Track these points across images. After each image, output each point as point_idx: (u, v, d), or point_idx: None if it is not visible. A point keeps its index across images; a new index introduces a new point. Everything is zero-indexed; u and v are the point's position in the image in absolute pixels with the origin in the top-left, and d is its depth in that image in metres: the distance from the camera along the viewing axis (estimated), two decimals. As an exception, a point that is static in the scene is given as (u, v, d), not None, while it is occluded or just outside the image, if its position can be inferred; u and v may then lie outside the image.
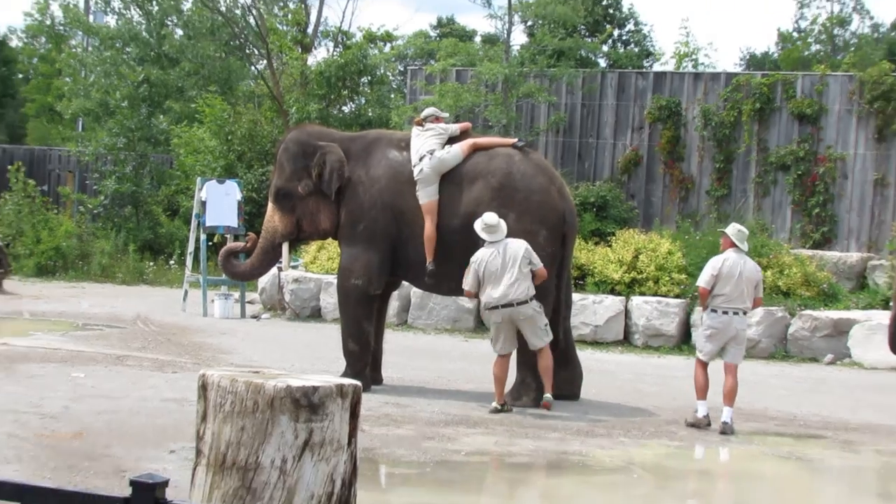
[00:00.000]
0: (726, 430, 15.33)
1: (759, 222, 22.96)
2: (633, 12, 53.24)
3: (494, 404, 15.30)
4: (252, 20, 33.19)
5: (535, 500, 12.24)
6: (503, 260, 15.01)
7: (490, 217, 15.21)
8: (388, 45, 32.76)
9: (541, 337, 15.28)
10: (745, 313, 15.68)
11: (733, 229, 16.36)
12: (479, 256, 15.17)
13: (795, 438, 15.31)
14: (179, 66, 32.85)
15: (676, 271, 22.86)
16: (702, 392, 15.67)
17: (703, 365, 15.73)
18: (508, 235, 15.67)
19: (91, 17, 39.05)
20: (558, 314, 16.77)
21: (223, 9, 33.53)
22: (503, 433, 14.53)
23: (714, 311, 15.68)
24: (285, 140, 17.88)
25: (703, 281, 15.63)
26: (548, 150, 25.70)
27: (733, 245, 15.83)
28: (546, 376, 15.47)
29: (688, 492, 13.22)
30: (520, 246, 15.14)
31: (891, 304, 18.96)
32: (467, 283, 15.29)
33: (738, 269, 15.51)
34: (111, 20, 36.61)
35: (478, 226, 15.28)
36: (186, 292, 25.32)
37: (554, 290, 16.50)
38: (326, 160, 16.54)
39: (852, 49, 48.82)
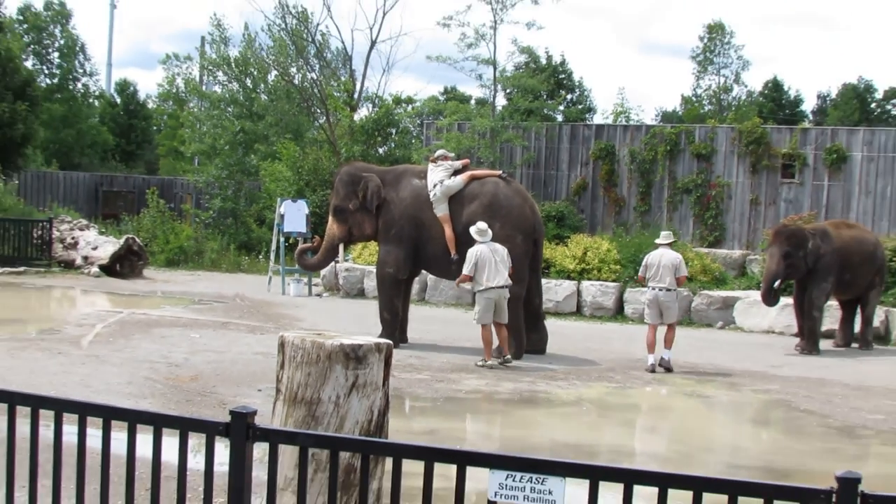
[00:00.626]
0: (664, 365, 16.07)
1: (671, 229, 22.99)
2: (581, 82, 52.72)
3: (489, 361, 15.17)
4: (316, 89, 32.87)
5: (514, 424, 12.24)
6: (493, 256, 15.07)
7: (482, 224, 15.68)
8: (410, 105, 32.45)
9: (506, 314, 15.28)
10: (668, 289, 16.03)
11: (667, 234, 17.24)
12: (477, 250, 15.45)
13: (696, 381, 15.57)
14: (264, 120, 32.66)
15: (613, 263, 23.04)
16: (651, 348, 16.10)
17: (652, 328, 16.23)
18: (494, 240, 15.87)
19: (203, 87, 38.77)
20: (532, 293, 17.11)
21: (296, 81, 33.25)
22: (491, 377, 14.90)
23: (646, 288, 16.60)
24: (339, 172, 18.40)
25: (641, 271, 16.60)
26: (523, 179, 25.74)
27: (663, 244, 16.53)
28: (504, 343, 15.63)
29: (620, 418, 13.56)
30: (503, 248, 15.32)
31: (761, 284, 19.02)
32: (468, 268, 15.39)
33: (657, 258, 16.15)
34: (217, 88, 36.30)
35: (473, 230, 15.67)
36: (270, 278, 25.39)
37: (527, 277, 16.74)
38: (368, 186, 16.99)
39: (734, 108, 48.42)
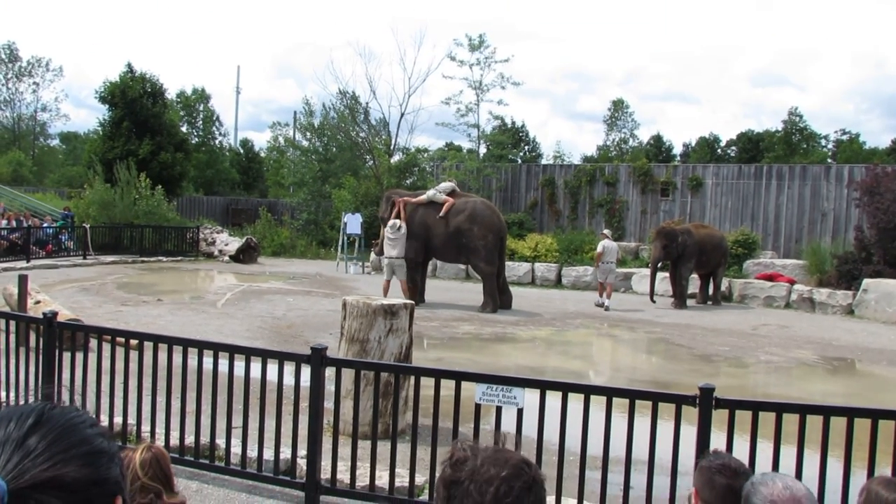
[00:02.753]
0: (606, 307, 17.33)
1: (591, 230, 22.92)
2: (533, 137, 52.66)
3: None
4: (366, 143, 32.79)
5: (491, 354, 12.08)
6: (392, 237, 16.56)
7: (394, 222, 16.50)
8: (425, 153, 32.34)
9: (402, 274, 16.36)
10: (612, 262, 17.79)
11: (608, 232, 19.39)
12: (384, 236, 16.87)
13: (608, 325, 15.40)
14: (335, 163, 32.58)
15: (554, 252, 23.08)
16: (601, 292, 17.79)
17: (601, 285, 17.78)
18: (473, 237, 16.54)
19: (296, 142, 38.71)
20: (500, 271, 16.86)
21: (353, 138, 33.20)
22: (478, 324, 14.79)
23: (602, 263, 17.68)
24: (384, 196, 18.23)
25: (599, 250, 17.89)
26: (496, 200, 25.53)
27: (606, 237, 18.15)
28: (405, 293, 15.98)
29: (559, 350, 13.43)
30: (402, 233, 16.45)
31: (648, 265, 18.94)
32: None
33: (611, 246, 17.94)
34: (305, 143, 36.20)
35: (388, 228, 16.63)
36: (338, 262, 25.26)
37: (496, 261, 16.54)
38: (395, 203, 16.72)
39: (630, 153, 48.28)
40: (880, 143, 52.52)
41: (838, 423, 4.72)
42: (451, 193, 17.07)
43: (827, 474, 4.59)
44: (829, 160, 44.93)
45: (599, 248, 17.96)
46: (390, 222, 16.48)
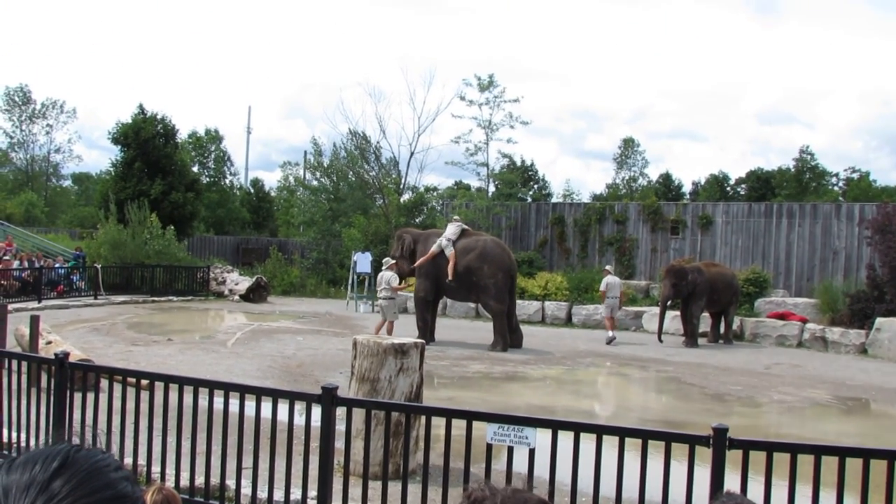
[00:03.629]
0: (611, 342, 18.02)
1: (601, 269, 22.91)
2: (543, 176, 52.91)
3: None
4: (376, 182, 33.00)
5: (502, 393, 12.08)
6: (381, 280, 16.87)
7: (388, 260, 17.11)
8: (435, 192, 32.53)
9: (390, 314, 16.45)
10: (617, 298, 18.43)
11: (610, 268, 19.85)
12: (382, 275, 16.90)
13: (620, 364, 15.36)
14: (345, 202, 32.72)
15: (564, 290, 22.97)
16: (610, 327, 18.35)
17: (610, 319, 18.43)
18: (484, 277, 16.59)
19: (306, 181, 38.99)
20: (511, 310, 16.98)
21: (364, 177, 33.40)
22: (488, 363, 14.73)
23: (607, 298, 18.30)
24: (395, 234, 18.41)
25: (602, 287, 18.64)
26: (506, 238, 25.56)
27: (608, 273, 18.65)
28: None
29: (570, 389, 13.32)
30: (389, 274, 16.59)
31: (658, 303, 18.90)
32: (396, 283, 16.54)
33: (614, 281, 18.39)
34: (315, 182, 36.43)
35: (385, 265, 16.94)
36: (348, 302, 25.25)
37: (507, 299, 16.54)
38: (404, 241, 16.94)
39: (639, 191, 48.42)
40: (890, 181, 52.84)
41: (854, 465, 4.67)
42: (462, 232, 17.16)
43: (843, 516, 4.54)
44: (840, 198, 44.92)
45: (603, 286, 18.68)
46: (379, 276, 16.82)
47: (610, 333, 18.23)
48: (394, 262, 16.87)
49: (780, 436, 9.53)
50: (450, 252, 16.59)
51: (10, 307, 13.68)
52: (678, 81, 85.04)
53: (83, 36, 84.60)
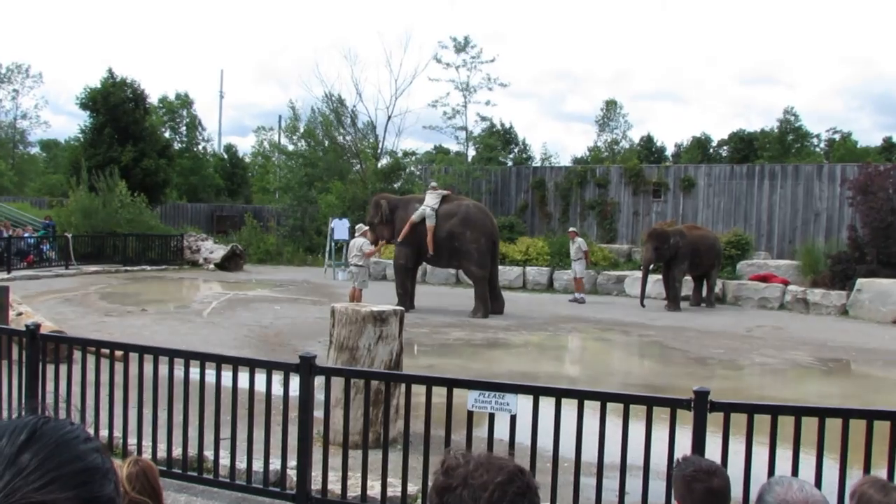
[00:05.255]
0: (579, 301, 19.05)
1: (584, 232, 22.98)
2: (523, 139, 52.74)
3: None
4: (353, 147, 32.77)
5: (484, 360, 12.11)
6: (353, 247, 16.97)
7: (361, 226, 16.99)
8: (413, 157, 32.36)
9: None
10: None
11: (573, 229, 20.60)
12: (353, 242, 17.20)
13: (601, 329, 15.47)
14: (319, 167, 32.46)
15: (545, 255, 23.05)
16: (580, 289, 19.15)
17: (579, 280, 19.26)
18: (467, 242, 16.54)
19: (281, 144, 38.68)
20: (492, 276, 16.99)
21: (340, 142, 33.14)
22: (469, 330, 14.81)
23: (573, 260, 18.92)
24: (372, 200, 18.18)
25: (585, 248, 19.53)
26: (486, 202, 25.44)
27: (576, 235, 19.39)
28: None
29: (552, 355, 13.44)
30: (361, 241, 16.49)
31: (640, 267, 19.03)
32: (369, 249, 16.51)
33: (577, 244, 18.85)
34: (290, 147, 36.15)
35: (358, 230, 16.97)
36: (325, 269, 25.19)
37: (489, 265, 16.49)
38: (381, 207, 16.69)
39: (621, 154, 48.43)
40: (872, 142, 52.91)
41: (834, 425, 4.75)
42: (443, 198, 17.10)
43: (823, 476, 4.63)
44: (823, 159, 45.19)
45: (584, 247, 19.73)
46: (351, 242, 16.80)
47: (580, 294, 19.47)
48: (367, 228, 16.80)
49: (761, 398, 9.67)
50: (431, 224, 16.55)
51: (-22, 279, 13.52)
52: (658, 43, 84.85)
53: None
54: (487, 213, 17.59)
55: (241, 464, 5.69)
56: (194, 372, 5.87)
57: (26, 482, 0.85)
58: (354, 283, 16.21)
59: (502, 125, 49.80)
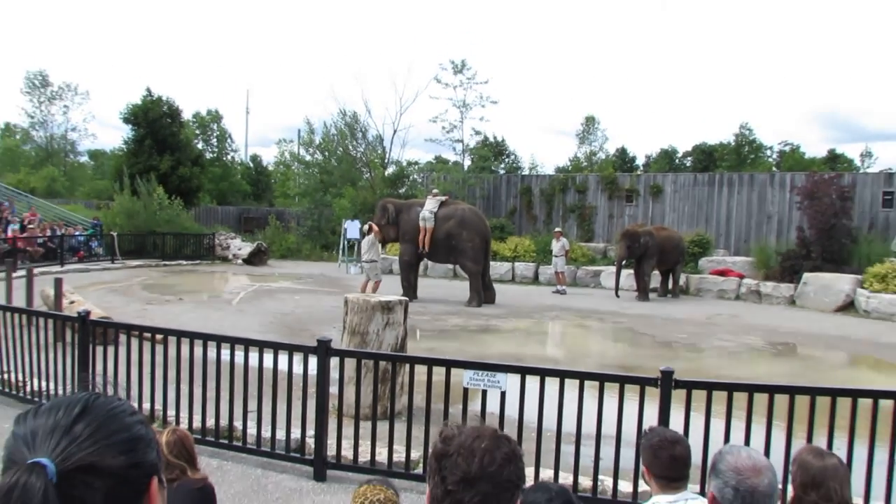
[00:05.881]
0: (561, 292, 18.74)
1: (566, 232, 22.93)
2: (514, 150, 52.59)
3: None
4: (363, 157, 32.70)
5: (478, 343, 11.99)
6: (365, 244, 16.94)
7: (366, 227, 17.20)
8: (416, 165, 32.32)
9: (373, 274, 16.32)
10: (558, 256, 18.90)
11: (558, 229, 20.37)
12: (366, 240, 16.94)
13: (581, 317, 15.40)
14: (334, 175, 32.41)
15: (531, 252, 22.94)
16: (561, 282, 18.91)
17: (561, 274, 19.14)
18: (463, 241, 16.54)
19: (299, 155, 38.60)
20: (485, 271, 16.91)
21: (352, 152, 33.07)
22: (465, 317, 14.73)
23: (555, 256, 18.68)
24: (378, 204, 17.99)
25: (567, 247, 19.59)
26: (480, 206, 25.29)
27: (561, 235, 19.27)
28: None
29: (537, 339, 13.41)
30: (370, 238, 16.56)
31: (614, 263, 18.99)
32: (376, 252, 16.45)
33: (561, 243, 18.64)
34: (308, 157, 36.05)
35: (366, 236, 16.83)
36: (339, 264, 25.17)
37: (482, 262, 16.43)
38: (388, 210, 16.68)
39: (598, 164, 48.27)
40: (818, 153, 52.88)
41: (782, 400, 4.79)
42: (442, 203, 17.09)
43: (772, 444, 4.66)
44: (774, 169, 45.16)
45: (567, 246, 19.93)
46: (364, 240, 16.72)
47: (562, 286, 19.37)
48: (376, 227, 16.83)
49: (719, 376, 9.68)
50: (429, 226, 16.53)
51: (34, 271, 13.52)
52: (632, 65, 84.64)
53: (94, 24, 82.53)
54: (481, 216, 17.55)
55: (266, 433, 5.71)
56: (225, 353, 5.90)
57: (80, 448, 0.87)
58: (370, 277, 16.22)
59: (496, 138, 49.72)
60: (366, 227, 16.59)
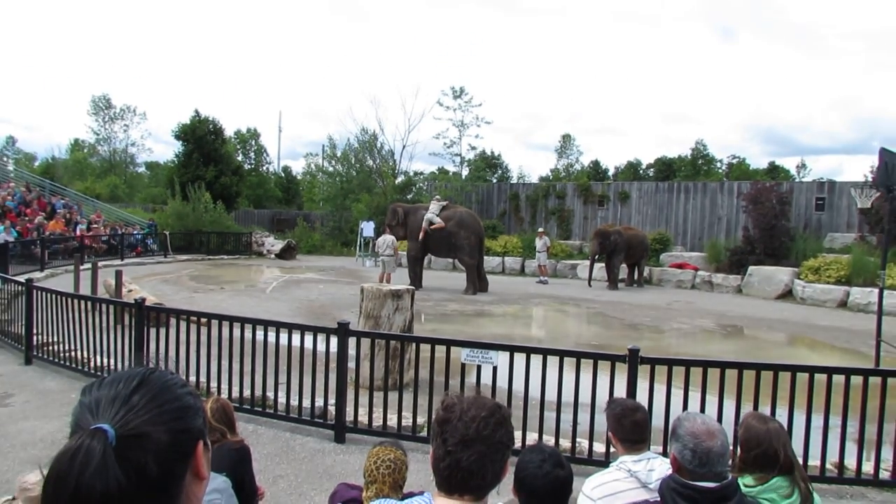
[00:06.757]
0: (543, 282, 18.51)
1: (547, 231, 22.87)
2: (506, 163, 52.40)
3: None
4: (377, 168, 32.60)
5: (474, 325, 11.93)
6: (384, 242, 16.45)
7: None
8: (421, 175, 32.27)
9: (390, 267, 16.14)
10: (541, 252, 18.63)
11: (541, 229, 19.96)
12: (383, 239, 16.57)
13: (559, 303, 15.32)
14: (353, 183, 32.35)
15: (519, 248, 22.87)
16: (544, 274, 18.69)
17: (544, 267, 18.83)
18: (461, 240, 16.45)
19: (323, 166, 38.47)
20: (480, 264, 16.68)
21: (368, 164, 32.98)
22: (462, 303, 14.61)
23: (539, 252, 18.50)
24: (389, 208, 17.88)
25: (548, 245, 19.38)
26: (475, 210, 25.18)
27: (544, 234, 19.22)
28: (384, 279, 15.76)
29: (523, 322, 13.33)
30: (390, 238, 16.35)
31: (588, 257, 18.95)
32: (391, 248, 16.19)
33: (543, 241, 18.24)
34: (331, 168, 35.94)
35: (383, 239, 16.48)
36: (357, 258, 25.12)
37: (477, 257, 16.31)
38: (397, 213, 16.72)
39: (575, 174, 48.13)
40: (761, 165, 52.69)
41: (731, 374, 4.76)
42: (444, 206, 17.01)
43: (724, 412, 4.63)
44: (724, 178, 45.02)
45: (548, 243, 19.82)
46: (380, 239, 16.59)
47: (544, 277, 19.26)
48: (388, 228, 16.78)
49: (678, 354, 9.66)
50: (439, 223, 16.46)
51: (99, 264, 13.48)
52: (602, 91, 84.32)
53: (151, 52, 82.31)
54: (476, 218, 17.46)
55: (294, 402, 5.69)
56: (259, 334, 5.87)
57: (137, 416, 0.85)
58: (387, 269, 16.14)
59: (492, 153, 49.65)
60: (383, 237, 16.49)
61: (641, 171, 53.80)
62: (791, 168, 51.43)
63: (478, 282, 16.48)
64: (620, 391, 4.66)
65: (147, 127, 64.17)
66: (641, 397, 4.41)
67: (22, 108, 78.84)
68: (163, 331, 6.28)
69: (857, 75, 71.67)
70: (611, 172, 55.45)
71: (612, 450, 4.76)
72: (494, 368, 5.10)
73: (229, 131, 40.42)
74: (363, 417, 5.53)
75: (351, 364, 5.71)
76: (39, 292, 7.72)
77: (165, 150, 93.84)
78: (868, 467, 4.76)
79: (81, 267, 13.34)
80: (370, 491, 2.48)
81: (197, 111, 32.47)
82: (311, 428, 5.59)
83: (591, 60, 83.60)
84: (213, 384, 5.99)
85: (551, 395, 4.98)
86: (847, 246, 18.69)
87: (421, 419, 5.47)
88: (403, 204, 19.20)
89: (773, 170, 46.85)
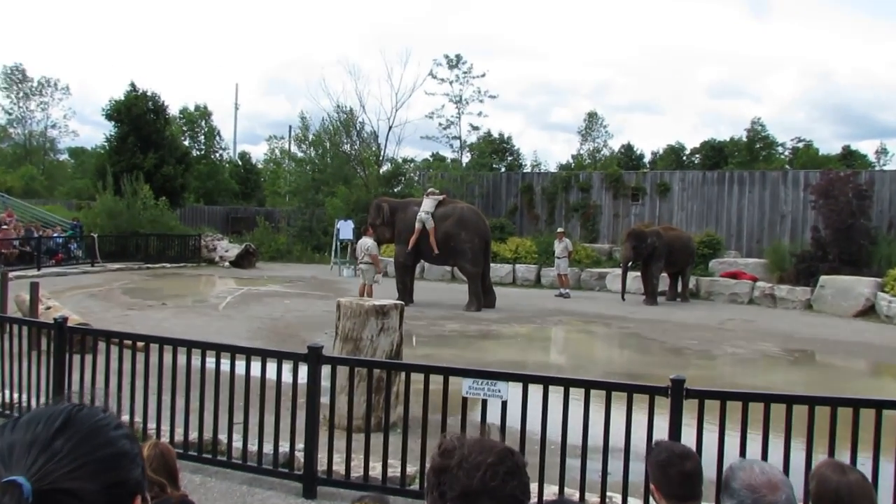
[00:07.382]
0: (564, 296, 19.06)
1: (568, 232, 22.89)
2: (517, 147, 52.57)
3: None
4: (357, 154, 32.70)
5: (477, 350, 12.05)
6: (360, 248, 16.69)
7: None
8: (411, 163, 32.34)
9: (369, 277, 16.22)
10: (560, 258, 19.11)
11: (560, 229, 20.57)
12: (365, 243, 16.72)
13: (585, 322, 15.41)
14: (327, 172, 32.41)
15: (533, 254, 22.98)
16: (565, 285, 19.12)
17: (564, 277, 19.42)
18: (461, 242, 16.48)
19: (291, 151, 38.58)
20: (485, 273, 16.87)
21: (346, 150, 33.07)
22: (463, 322, 14.71)
23: (558, 258, 19.04)
24: (373, 203, 17.91)
25: (570, 249, 19.91)
26: (479, 205, 25.27)
27: (563, 236, 19.62)
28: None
29: (539, 345, 13.41)
30: (369, 241, 16.45)
31: (620, 264, 18.98)
32: (375, 251, 16.34)
33: (564, 244, 18.88)
34: (300, 154, 36.07)
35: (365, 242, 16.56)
36: (332, 266, 25.14)
37: (482, 264, 16.36)
38: (382, 210, 16.60)
39: (602, 161, 48.33)
40: (832, 150, 52.91)
41: (800, 411, 4.73)
42: (441, 202, 17.03)
43: (791, 458, 4.60)
44: (787, 166, 45.22)
45: (570, 247, 20.18)
46: (360, 242, 16.66)
47: (565, 289, 19.47)
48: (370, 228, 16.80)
49: (733, 385, 9.64)
50: (430, 226, 16.46)
51: (10, 275, 13.44)
52: (636, 58, 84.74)
53: (74, 15, 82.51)
54: (480, 216, 17.51)
55: (253, 447, 5.66)
56: (210, 361, 5.85)
57: (59, 466, 0.85)
58: (364, 280, 16.15)
59: (500, 135, 49.86)
60: (363, 239, 16.56)
61: (685, 158, 54.07)
62: (870, 153, 51.85)
63: (483, 295, 16.49)
64: (661, 432, 4.64)
65: (71, 104, 64.62)
66: (687, 440, 4.38)
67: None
68: (89, 358, 6.24)
69: (951, 39, 72.14)
70: (647, 159, 55.73)
71: (651, 506, 4.73)
72: (504, 403, 5.07)
73: (174, 109, 40.48)
74: (339, 466, 5.50)
75: (324, 399, 5.69)
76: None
77: (94, 132, 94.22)
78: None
79: (-12, 278, 13.31)
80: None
81: (133, 85, 32.48)
82: (274, 479, 5.57)
83: (621, 20, 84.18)
84: (151, 425, 5.96)
85: (575, 437, 4.96)
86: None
87: (412, 468, 5.44)
88: (390, 199, 19.23)
89: (848, 155, 47.07)
